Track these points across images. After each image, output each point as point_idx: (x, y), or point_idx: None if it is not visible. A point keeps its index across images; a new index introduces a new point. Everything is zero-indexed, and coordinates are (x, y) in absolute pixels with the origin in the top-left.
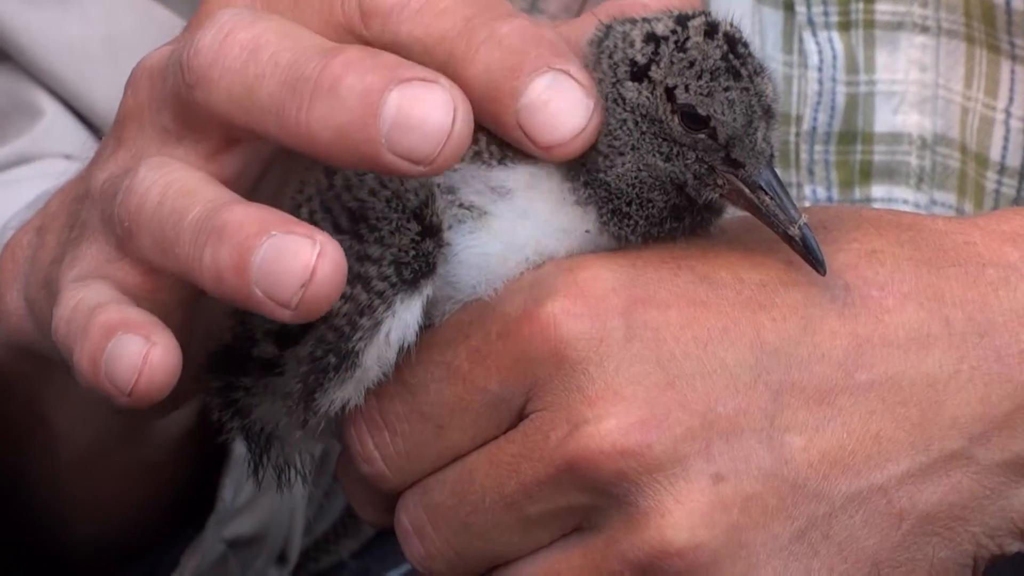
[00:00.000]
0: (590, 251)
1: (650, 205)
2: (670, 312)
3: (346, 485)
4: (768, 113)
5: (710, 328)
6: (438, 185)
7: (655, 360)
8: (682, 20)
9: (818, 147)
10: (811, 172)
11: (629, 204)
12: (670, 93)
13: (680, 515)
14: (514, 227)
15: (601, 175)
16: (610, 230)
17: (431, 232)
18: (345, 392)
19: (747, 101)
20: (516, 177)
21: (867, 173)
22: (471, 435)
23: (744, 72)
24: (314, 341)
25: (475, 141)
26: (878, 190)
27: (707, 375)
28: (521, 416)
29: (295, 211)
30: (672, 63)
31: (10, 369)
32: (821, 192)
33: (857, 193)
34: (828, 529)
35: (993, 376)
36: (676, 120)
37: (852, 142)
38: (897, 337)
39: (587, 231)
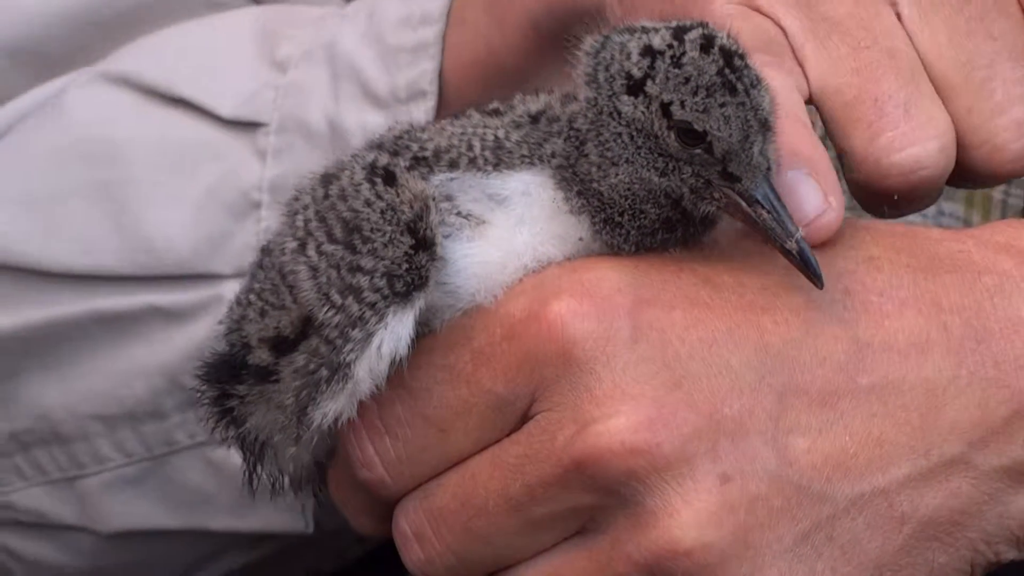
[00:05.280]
0: (584, 256)
1: (643, 216)
2: (675, 313)
3: (339, 494)
4: (764, 126)
5: (714, 330)
6: (434, 198)
7: (661, 360)
8: (679, 33)
9: (831, 155)
10: None
11: (622, 214)
12: (666, 109)
13: (688, 515)
14: (511, 235)
15: (594, 185)
16: (603, 238)
17: (424, 245)
18: (337, 404)
19: (743, 116)
20: (511, 185)
21: None
22: (474, 438)
23: (740, 86)
24: (307, 353)
25: (469, 148)
26: None
27: (713, 376)
28: (525, 418)
29: (291, 219)
30: (668, 78)
31: None
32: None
33: None
34: (832, 531)
35: (990, 382)
36: (672, 136)
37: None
38: (897, 342)
39: (580, 239)
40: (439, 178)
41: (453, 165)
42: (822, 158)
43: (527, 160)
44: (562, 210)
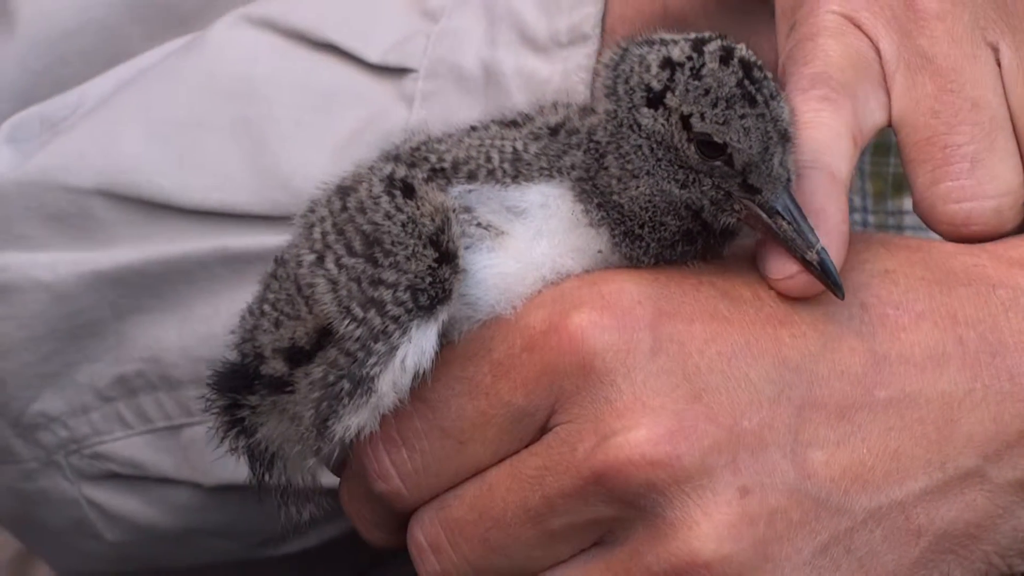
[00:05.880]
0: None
1: (663, 228)
2: (694, 326)
3: (351, 506)
4: (785, 137)
5: (733, 343)
6: (454, 209)
7: (681, 373)
8: (698, 44)
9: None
10: None
11: (642, 227)
12: (686, 121)
13: (708, 527)
14: (531, 247)
15: (614, 197)
16: (622, 251)
17: (448, 258)
18: (360, 418)
19: (763, 128)
20: (530, 197)
21: (899, 186)
22: (492, 450)
23: (760, 98)
24: (325, 365)
25: (488, 159)
26: (910, 202)
27: (732, 389)
28: (544, 430)
29: (308, 231)
30: (688, 91)
31: None
32: (856, 201)
33: (890, 204)
34: (850, 544)
35: (1005, 395)
36: (692, 148)
37: (886, 154)
38: (913, 355)
39: (599, 251)
40: (457, 190)
41: (471, 177)
42: (834, 220)
43: (546, 172)
44: (581, 223)
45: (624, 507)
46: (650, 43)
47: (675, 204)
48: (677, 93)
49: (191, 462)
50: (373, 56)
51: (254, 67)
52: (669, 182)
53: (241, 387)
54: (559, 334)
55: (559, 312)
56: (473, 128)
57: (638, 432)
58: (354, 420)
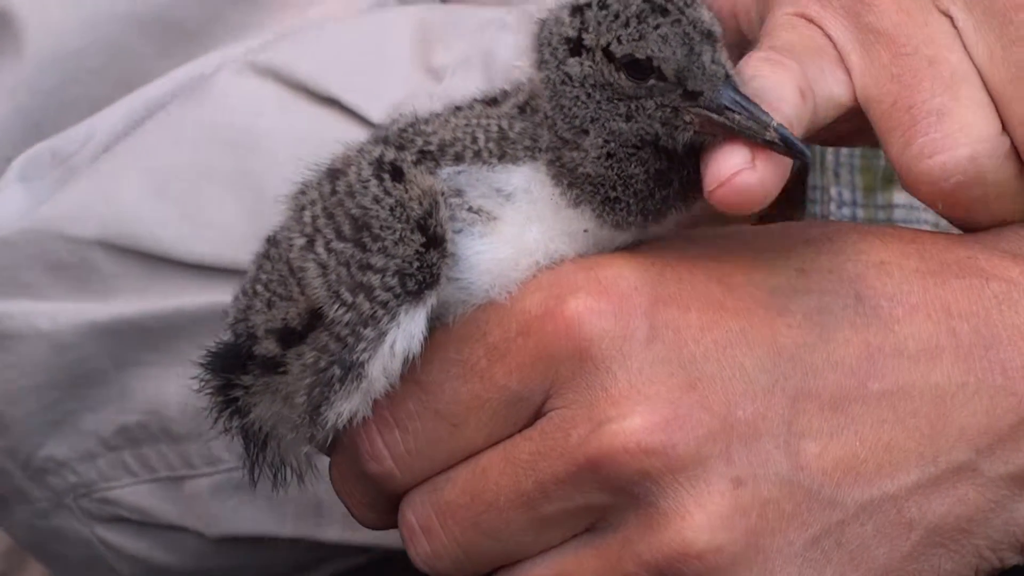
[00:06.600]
0: (596, 249)
1: (634, 180)
2: (690, 314)
3: (343, 486)
4: (710, 37)
5: (729, 331)
6: (443, 193)
7: (677, 361)
8: None
9: (844, 151)
10: (836, 175)
11: (614, 187)
12: (607, 52)
13: (701, 517)
14: (522, 232)
15: (581, 169)
16: (607, 221)
17: (435, 243)
18: (352, 404)
19: (681, 32)
20: (515, 180)
21: (889, 179)
22: (486, 433)
23: (671, 7)
24: (316, 349)
25: (474, 140)
26: (900, 196)
27: (727, 378)
28: (538, 414)
29: (299, 213)
30: (600, 23)
31: None
32: (846, 194)
33: (880, 198)
34: (841, 537)
35: (998, 389)
36: (623, 76)
37: (876, 148)
38: (907, 347)
39: (585, 230)
40: (446, 172)
41: (458, 158)
42: (786, 104)
43: (529, 152)
44: (561, 205)
45: (617, 494)
46: (561, 5)
47: (630, 144)
48: (591, 30)
49: (195, 512)
50: (375, 115)
51: (257, 119)
52: (615, 121)
53: (235, 367)
54: (555, 319)
55: (556, 297)
56: (458, 108)
57: (633, 420)
58: (346, 406)
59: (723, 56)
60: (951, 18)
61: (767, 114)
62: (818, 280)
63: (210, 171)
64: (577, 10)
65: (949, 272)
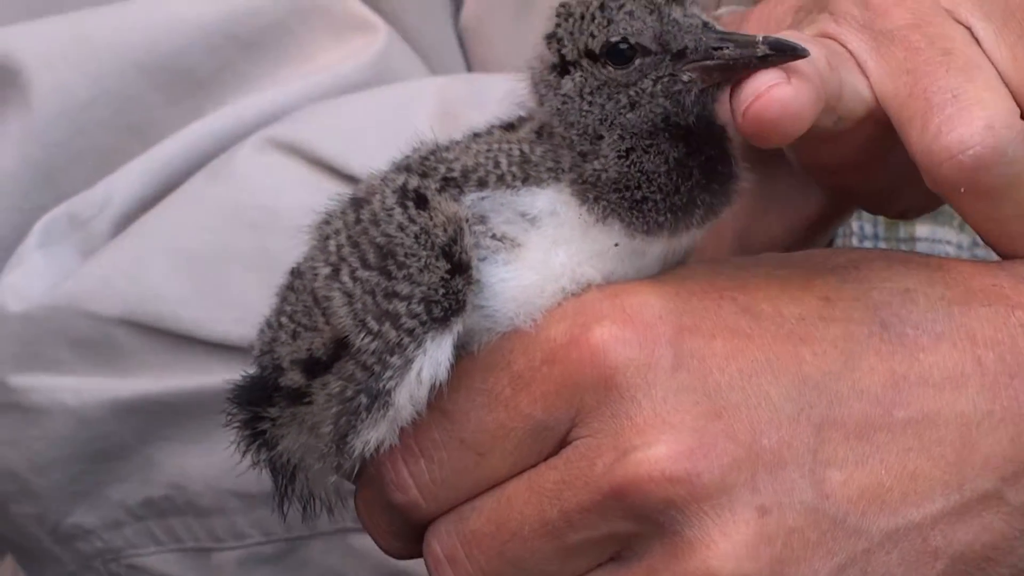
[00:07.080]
0: (626, 267)
1: (656, 176)
2: (716, 342)
3: (368, 516)
4: None
5: (754, 360)
6: (467, 219)
7: (702, 390)
8: (561, 4)
9: None
10: (859, 210)
11: (639, 187)
12: (589, 53)
13: (726, 546)
14: (548, 257)
15: (604, 176)
16: (638, 228)
17: (461, 269)
18: (379, 432)
19: (644, 2)
20: (540, 203)
21: None
22: (511, 462)
23: None
24: (342, 378)
25: (496, 165)
26: (922, 229)
27: (752, 407)
28: (563, 443)
29: (323, 243)
30: (571, 32)
31: None
32: (868, 228)
33: (902, 231)
34: (866, 566)
35: (1023, 417)
36: (610, 67)
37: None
38: (932, 376)
39: (616, 244)
40: (470, 198)
41: (482, 183)
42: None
43: (553, 174)
44: (589, 223)
45: (642, 523)
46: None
47: (645, 135)
48: (567, 43)
49: None
50: None
51: (278, 198)
52: (623, 114)
53: (261, 400)
54: (580, 348)
55: (580, 325)
56: (477, 135)
57: (658, 448)
58: (373, 434)
59: (695, 8)
60: (969, 28)
61: (748, 35)
62: (843, 308)
63: (233, 251)
64: (550, 36)
65: (975, 300)
